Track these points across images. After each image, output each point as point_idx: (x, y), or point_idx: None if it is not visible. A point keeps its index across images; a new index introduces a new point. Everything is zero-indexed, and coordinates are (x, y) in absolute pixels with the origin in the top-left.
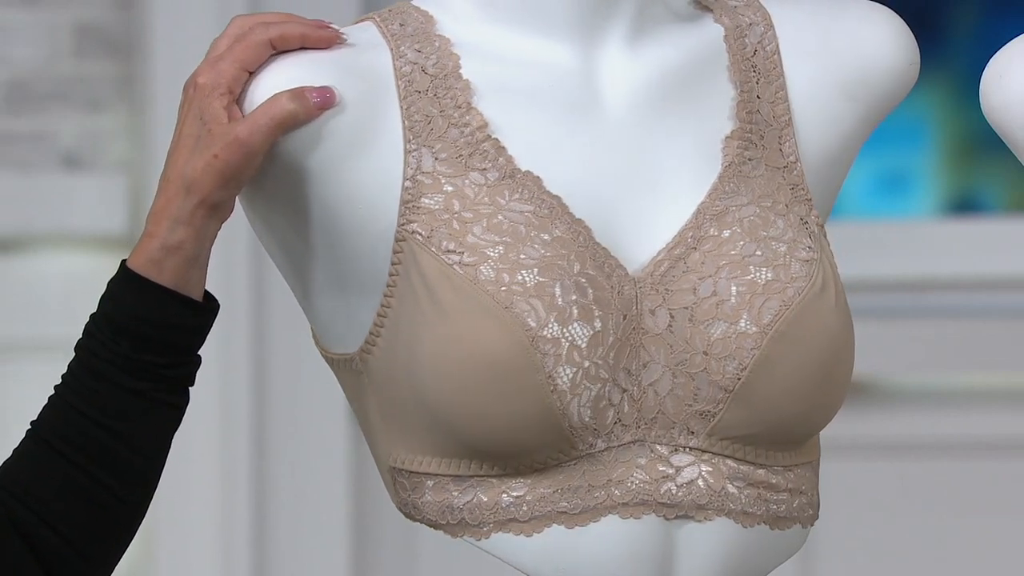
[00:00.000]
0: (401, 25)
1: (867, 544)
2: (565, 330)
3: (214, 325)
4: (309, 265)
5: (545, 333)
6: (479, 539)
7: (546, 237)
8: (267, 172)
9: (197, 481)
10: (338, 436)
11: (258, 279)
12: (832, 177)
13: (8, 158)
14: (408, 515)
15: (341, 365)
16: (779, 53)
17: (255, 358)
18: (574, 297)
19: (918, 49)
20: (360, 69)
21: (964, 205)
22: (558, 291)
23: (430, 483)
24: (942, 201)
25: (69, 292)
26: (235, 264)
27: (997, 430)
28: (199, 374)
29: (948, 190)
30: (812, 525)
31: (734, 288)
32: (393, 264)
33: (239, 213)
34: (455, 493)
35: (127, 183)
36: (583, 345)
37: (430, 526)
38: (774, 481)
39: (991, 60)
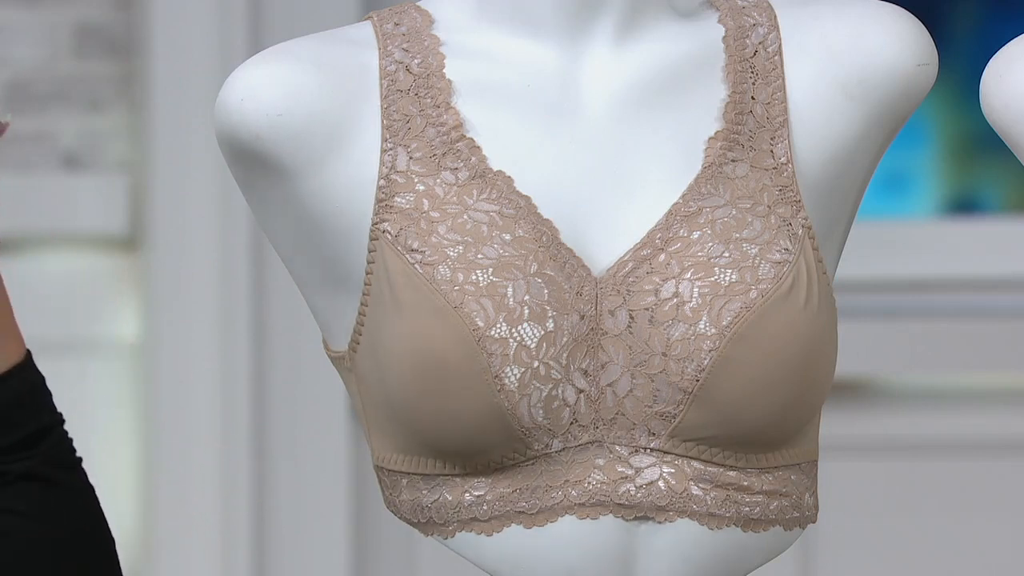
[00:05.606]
0: (396, 24)
1: (867, 544)
2: (514, 330)
3: (214, 325)
4: (301, 264)
5: (493, 333)
6: (446, 538)
7: (507, 237)
8: (255, 172)
9: (197, 481)
10: (338, 436)
11: (258, 279)
12: (836, 178)
13: (8, 158)
14: (393, 513)
15: (339, 363)
16: (781, 54)
17: (255, 358)
18: (526, 297)
19: (934, 51)
20: (345, 67)
21: (964, 205)
22: (510, 291)
23: (404, 481)
24: (942, 201)
25: (69, 292)
26: (235, 264)
27: (997, 430)
28: (199, 372)
29: (948, 190)
30: (802, 527)
31: (696, 290)
32: (368, 263)
33: (239, 215)
34: (424, 492)
35: (127, 183)
36: (532, 345)
37: (409, 524)
38: (747, 483)
39: (991, 60)
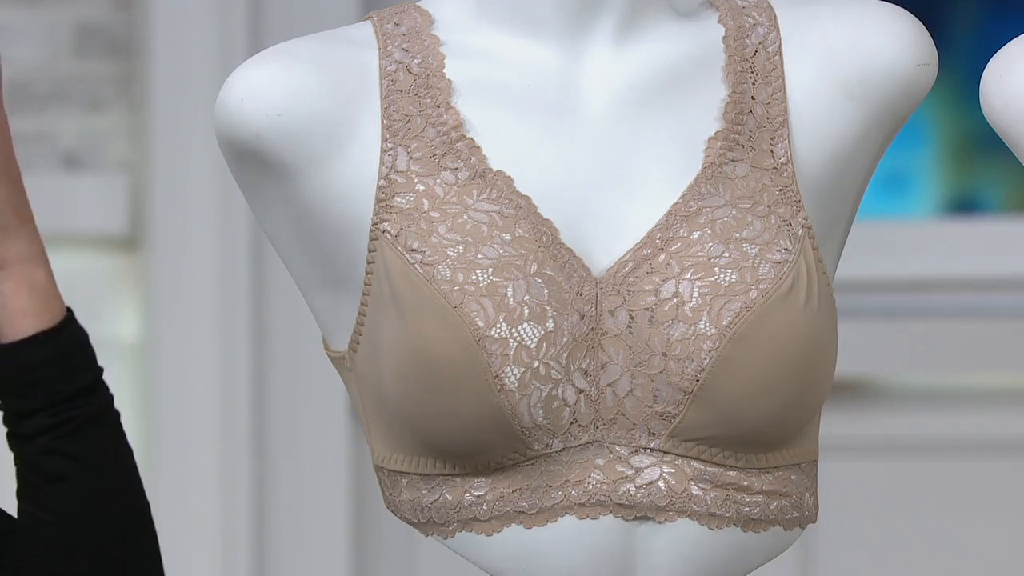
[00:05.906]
0: (396, 24)
1: (867, 544)
2: (514, 330)
3: (214, 325)
4: (301, 263)
5: (493, 333)
6: (446, 538)
7: (507, 237)
8: (255, 172)
9: (197, 481)
10: (338, 436)
11: (258, 279)
12: (836, 178)
13: None
14: (393, 512)
15: (339, 363)
16: (781, 54)
17: (255, 358)
18: (526, 297)
19: (934, 51)
20: (345, 67)
21: (964, 205)
22: (510, 291)
23: (404, 481)
24: (942, 201)
25: (69, 292)
26: (235, 264)
27: (997, 430)
28: (199, 372)
29: (948, 190)
30: (802, 527)
31: (696, 290)
32: (368, 263)
33: (239, 215)
34: (424, 492)
35: (127, 183)
36: (532, 345)
37: (409, 524)
38: (747, 483)
39: (991, 60)
